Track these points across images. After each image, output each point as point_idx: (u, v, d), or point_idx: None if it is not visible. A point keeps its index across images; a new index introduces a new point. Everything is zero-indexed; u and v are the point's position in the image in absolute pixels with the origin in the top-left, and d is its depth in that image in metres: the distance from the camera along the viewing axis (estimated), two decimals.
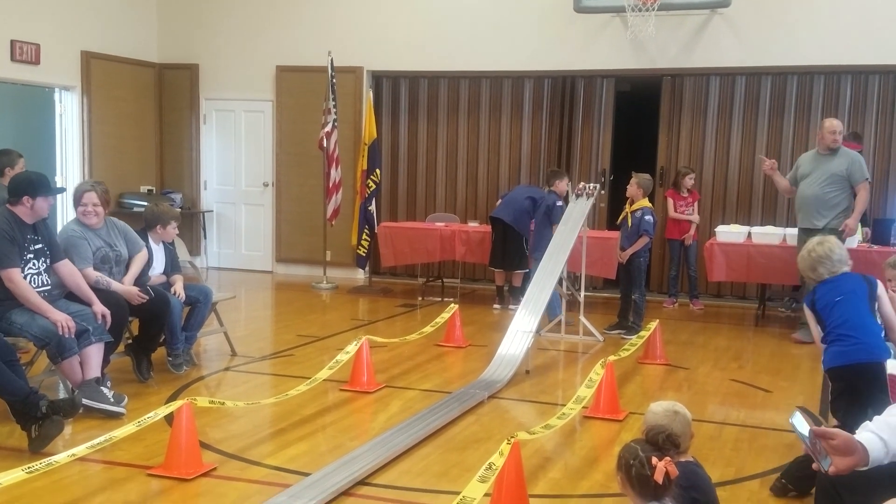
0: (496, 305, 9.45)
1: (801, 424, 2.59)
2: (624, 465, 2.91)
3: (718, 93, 10.14)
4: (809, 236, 7.86)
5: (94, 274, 5.66)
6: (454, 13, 10.69)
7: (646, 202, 8.12)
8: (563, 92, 10.64)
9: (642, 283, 8.16)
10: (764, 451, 4.91)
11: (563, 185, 8.70)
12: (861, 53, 9.32)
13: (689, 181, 9.62)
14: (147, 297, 5.81)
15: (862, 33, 9.28)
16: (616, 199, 10.53)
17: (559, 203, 8.52)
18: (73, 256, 5.60)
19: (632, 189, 8.10)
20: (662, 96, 10.35)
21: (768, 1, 9.59)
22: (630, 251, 7.99)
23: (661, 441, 2.95)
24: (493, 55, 10.55)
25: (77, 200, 5.82)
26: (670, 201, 9.66)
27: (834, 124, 7.95)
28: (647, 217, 7.99)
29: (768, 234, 8.76)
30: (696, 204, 9.72)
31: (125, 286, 5.79)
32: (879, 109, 9.63)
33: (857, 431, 2.65)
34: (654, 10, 9.26)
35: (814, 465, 2.66)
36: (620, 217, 8.24)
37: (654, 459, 2.82)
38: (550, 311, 7.65)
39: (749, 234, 8.88)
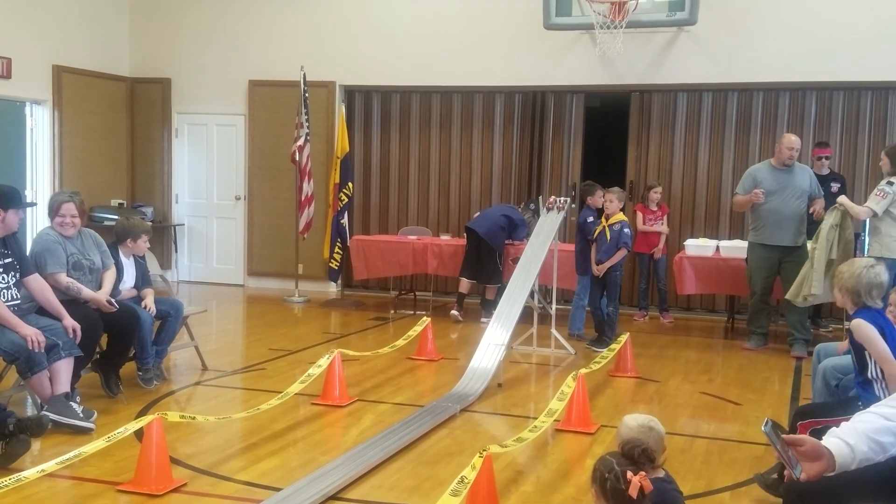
0: (453, 311, 9.46)
1: (773, 433, 2.64)
2: (599, 478, 2.92)
3: (686, 108, 10.29)
4: (777, 253, 8.03)
5: (66, 280, 5.65)
6: (426, 29, 10.75)
7: (622, 215, 8.19)
8: (534, 107, 10.74)
9: (617, 296, 8.20)
10: (734, 463, 4.96)
11: (597, 199, 8.36)
12: (825, 70, 9.49)
13: (654, 195, 9.72)
14: (115, 308, 5.81)
15: (826, 51, 9.46)
16: None
17: (590, 219, 8.35)
18: (48, 260, 5.59)
19: (612, 205, 8.12)
20: (631, 111, 10.48)
21: (734, 19, 9.75)
22: (608, 264, 8.02)
23: (637, 455, 2.97)
24: (464, 71, 10.62)
25: (54, 211, 5.80)
26: (639, 215, 9.75)
27: (792, 140, 8.07)
28: (625, 230, 8.07)
29: (736, 248, 8.84)
30: (665, 217, 9.81)
31: (95, 294, 5.78)
32: (844, 125, 9.80)
33: (824, 437, 2.71)
34: (622, 27, 9.36)
35: (786, 473, 2.70)
36: (597, 231, 8.26)
37: (630, 474, 2.84)
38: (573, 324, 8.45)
39: (717, 247, 8.98)
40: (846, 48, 9.39)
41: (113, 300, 5.86)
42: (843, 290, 4.16)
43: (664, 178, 10.26)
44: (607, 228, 8.09)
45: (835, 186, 8.99)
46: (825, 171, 8.98)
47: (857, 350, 4.15)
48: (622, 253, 8.05)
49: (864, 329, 4.04)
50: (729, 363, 7.79)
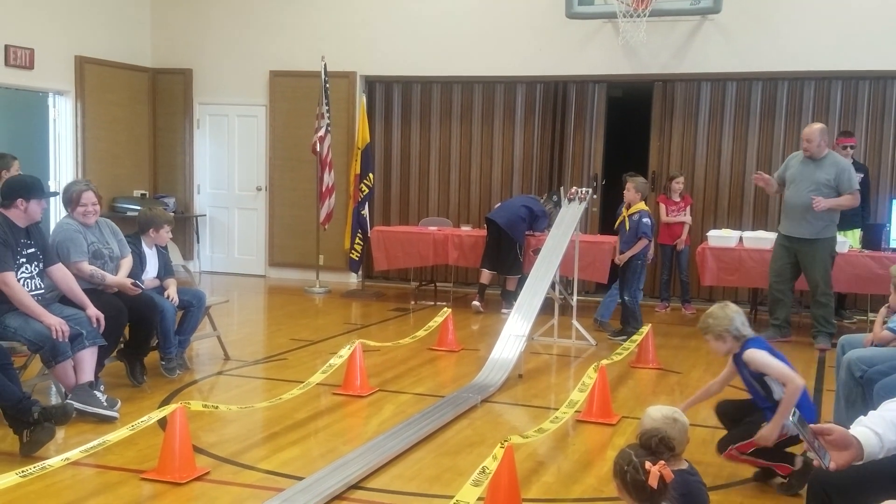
0: (475, 302, 9.46)
1: (801, 424, 2.63)
2: (619, 471, 2.91)
3: (709, 98, 10.19)
4: (794, 244, 7.96)
5: (90, 267, 5.69)
6: (447, 19, 10.72)
7: (643, 205, 8.12)
8: (556, 97, 10.68)
9: (633, 285, 8.09)
10: None
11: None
12: (851, 59, 9.38)
13: (677, 185, 9.64)
14: (140, 289, 5.86)
15: (852, 39, 9.34)
16: (608, 203, 10.57)
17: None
18: (71, 249, 5.64)
19: (629, 194, 8.06)
20: (654, 101, 10.39)
21: (759, 7, 9.65)
22: (628, 254, 7.95)
23: (655, 444, 2.96)
24: (485, 60, 10.58)
25: (75, 201, 5.81)
26: (662, 206, 9.68)
27: (806, 132, 7.86)
28: (644, 220, 7.99)
29: (760, 239, 8.77)
30: (688, 209, 9.73)
31: (118, 278, 5.84)
32: (869, 115, 9.68)
33: (851, 426, 2.70)
34: (645, 16, 9.29)
35: (815, 462, 2.70)
36: (618, 221, 8.23)
37: (648, 464, 2.83)
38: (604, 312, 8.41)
39: (741, 238, 8.91)
40: (872, 37, 9.26)
41: (137, 282, 5.91)
42: (722, 337, 4.27)
43: (687, 169, 10.18)
44: (626, 218, 8.04)
45: (857, 176, 8.90)
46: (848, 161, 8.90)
47: (758, 379, 4.27)
48: (642, 243, 7.97)
49: (759, 356, 4.21)
50: None
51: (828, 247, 7.90)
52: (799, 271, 8.02)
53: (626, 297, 8.05)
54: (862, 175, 8.92)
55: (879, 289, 7.88)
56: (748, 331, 4.30)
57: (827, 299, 7.89)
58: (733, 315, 4.26)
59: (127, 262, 6.02)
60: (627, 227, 8.01)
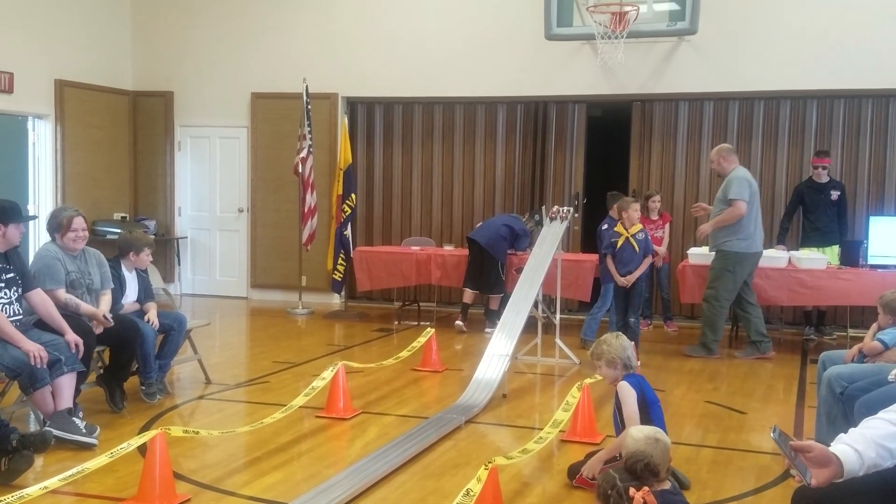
0: (458, 322, 9.45)
1: (782, 440, 2.64)
2: (602, 495, 2.92)
3: (687, 117, 10.29)
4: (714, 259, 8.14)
5: (65, 295, 5.64)
6: (428, 40, 10.77)
7: (640, 224, 8.15)
8: (536, 117, 10.75)
9: (640, 306, 8.16)
10: (740, 472, 4.94)
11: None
12: (826, 78, 9.49)
13: (654, 204, 9.68)
14: (111, 324, 5.76)
15: (826, 59, 9.46)
16: (589, 222, 10.61)
17: (604, 227, 8.49)
18: (46, 277, 5.58)
19: (635, 214, 7.99)
20: (633, 121, 10.48)
21: (734, 28, 9.76)
22: (637, 273, 7.90)
23: (640, 469, 2.97)
24: (466, 82, 10.63)
25: (65, 227, 5.75)
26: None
27: (711, 153, 8.43)
28: (647, 237, 8.08)
29: None
30: (667, 226, 9.78)
31: (93, 308, 5.76)
32: (845, 133, 9.81)
33: (832, 444, 2.70)
34: (623, 37, 9.37)
35: (796, 479, 2.70)
36: (620, 242, 7.98)
37: (632, 490, 2.83)
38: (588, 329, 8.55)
39: None
40: (847, 56, 9.38)
41: (109, 315, 5.82)
42: (614, 363, 4.58)
43: (666, 187, 10.26)
44: (631, 239, 7.93)
45: (834, 194, 9.07)
46: (824, 180, 9.04)
47: (619, 410, 4.55)
48: (649, 260, 8.07)
49: (625, 390, 4.50)
50: (734, 372, 7.76)
51: (724, 259, 8.08)
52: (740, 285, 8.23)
53: (632, 320, 8.00)
54: (839, 192, 9.07)
55: (859, 300, 8.13)
56: (634, 364, 4.66)
57: (710, 308, 8.10)
58: (626, 345, 4.61)
59: (107, 298, 5.96)
60: (636, 248, 7.92)
